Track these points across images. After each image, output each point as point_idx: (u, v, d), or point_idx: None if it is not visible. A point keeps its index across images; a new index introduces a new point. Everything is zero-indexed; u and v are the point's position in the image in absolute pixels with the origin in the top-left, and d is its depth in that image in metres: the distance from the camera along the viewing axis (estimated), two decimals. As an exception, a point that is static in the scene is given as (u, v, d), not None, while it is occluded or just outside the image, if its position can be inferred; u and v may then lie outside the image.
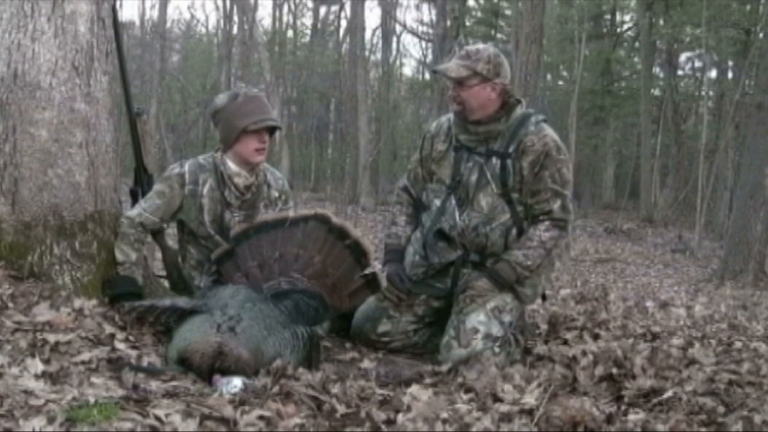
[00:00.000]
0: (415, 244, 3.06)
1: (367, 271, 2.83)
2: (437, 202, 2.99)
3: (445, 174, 2.98)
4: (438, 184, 3.02)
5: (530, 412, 1.96)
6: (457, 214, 2.93)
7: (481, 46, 2.99)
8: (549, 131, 2.91)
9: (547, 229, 2.87)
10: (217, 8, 34.16)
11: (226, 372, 2.22)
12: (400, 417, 1.89)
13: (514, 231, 2.91)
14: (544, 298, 3.24)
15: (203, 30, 30.95)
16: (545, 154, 2.85)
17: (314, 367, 2.48)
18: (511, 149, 2.87)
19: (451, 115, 3.03)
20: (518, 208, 2.90)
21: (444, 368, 2.61)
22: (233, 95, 2.91)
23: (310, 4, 27.53)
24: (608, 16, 25.70)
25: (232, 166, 2.90)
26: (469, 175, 2.92)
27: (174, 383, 2.15)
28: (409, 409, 1.94)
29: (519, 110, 2.93)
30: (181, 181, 2.87)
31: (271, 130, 2.95)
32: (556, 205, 2.87)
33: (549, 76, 26.11)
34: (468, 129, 2.92)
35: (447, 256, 2.97)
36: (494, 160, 2.89)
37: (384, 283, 2.91)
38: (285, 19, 25.68)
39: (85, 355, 2.17)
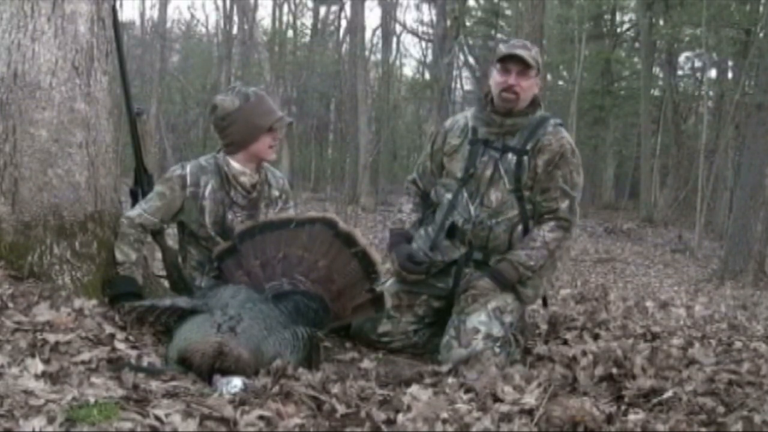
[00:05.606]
0: (419, 241, 3.06)
1: (375, 287, 2.79)
2: (448, 196, 3.00)
3: (457, 167, 3.00)
4: (448, 179, 3.03)
5: (530, 412, 1.96)
6: (471, 206, 2.94)
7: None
8: (566, 134, 2.97)
9: (552, 230, 2.89)
10: (217, 8, 34.09)
11: (226, 372, 2.21)
12: (400, 417, 1.89)
13: (519, 228, 2.93)
14: (545, 303, 3.25)
15: (203, 30, 30.98)
16: (560, 154, 2.90)
17: (314, 367, 2.48)
18: (528, 146, 2.91)
19: (469, 113, 3.07)
20: (527, 206, 2.93)
21: (444, 368, 2.61)
22: (244, 96, 2.87)
23: (310, 4, 27.55)
24: (608, 16, 25.72)
25: (236, 165, 2.89)
26: (484, 169, 2.94)
27: (174, 383, 2.15)
28: (409, 409, 1.94)
29: (539, 112, 2.99)
30: (183, 183, 2.86)
31: None
32: (563, 205, 2.90)
33: (549, 76, 26.07)
34: (493, 121, 2.95)
35: (450, 254, 2.98)
36: (510, 155, 2.92)
37: (389, 303, 2.88)
38: (285, 19, 25.73)
39: (85, 355, 2.17)
